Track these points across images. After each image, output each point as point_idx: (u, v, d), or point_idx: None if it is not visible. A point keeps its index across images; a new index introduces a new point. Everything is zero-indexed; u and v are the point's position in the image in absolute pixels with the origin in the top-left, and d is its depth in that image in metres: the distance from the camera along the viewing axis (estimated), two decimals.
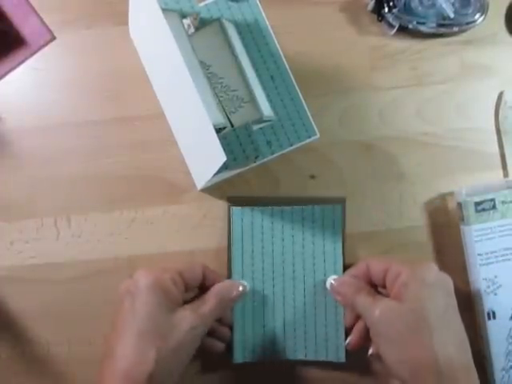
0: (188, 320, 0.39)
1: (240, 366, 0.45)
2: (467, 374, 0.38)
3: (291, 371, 0.46)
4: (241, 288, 0.44)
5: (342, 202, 0.47)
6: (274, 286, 0.46)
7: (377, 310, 0.39)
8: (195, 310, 0.40)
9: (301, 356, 0.45)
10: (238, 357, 0.45)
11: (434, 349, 0.37)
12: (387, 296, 0.41)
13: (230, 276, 0.46)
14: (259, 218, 0.46)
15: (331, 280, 0.44)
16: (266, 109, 0.46)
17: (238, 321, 0.45)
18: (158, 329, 0.38)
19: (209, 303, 0.41)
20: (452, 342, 0.38)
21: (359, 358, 0.44)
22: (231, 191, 0.47)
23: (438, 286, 0.40)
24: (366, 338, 0.42)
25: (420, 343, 0.37)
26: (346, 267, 0.46)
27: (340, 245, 0.46)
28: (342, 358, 0.45)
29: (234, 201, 0.47)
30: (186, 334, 0.38)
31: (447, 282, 0.40)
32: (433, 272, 0.40)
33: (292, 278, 0.46)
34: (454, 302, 0.40)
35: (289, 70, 0.48)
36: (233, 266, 0.46)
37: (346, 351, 0.45)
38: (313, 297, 0.46)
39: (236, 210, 0.46)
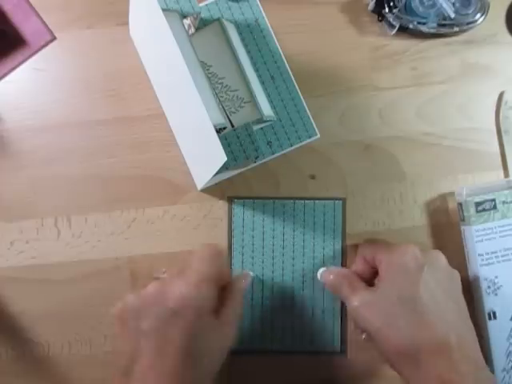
0: (230, 337, 0.39)
1: (237, 355, 0.45)
2: (448, 353, 0.37)
3: (288, 361, 0.46)
4: (250, 277, 0.45)
5: (342, 200, 0.47)
6: (273, 279, 0.46)
7: (353, 304, 0.40)
8: (231, 324, 0.39)
9: (297, 346, 0.46)
10: (236, 345, 0.45)
11: (408, 334, 0.37)
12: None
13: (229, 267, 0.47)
14: (260, 211, 0.47)
15: (321, 270, 0.45)
16: (267, 109, 0.46)
17: None
18: (204, 348, 0.37)
19: (238, 310, 0.41)
20: (430, 324, 0.38)
21: (354, 349, 0.45)
22: (231, 191, 0.47)
23: (414, 269, 0.39)
24: None
25: (395, 330, 0.38)
26: (345, 262, 0.46)
27: (339, 240, 0.47)
28: (337, 348, 0.46)
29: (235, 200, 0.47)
30: (227, 348, 0.39)
31: (431, 262, 0.40)
32: (409, 255, 0.40)
33: (291, 271, 0.46)
34: (434, 283, 0.39)
35: (289, 70, 0.48)
36: (233, 258, 0.46)
37: (342, 342, 0.46)
38: (311, 290, 0.46)
39: (238, 202, 0.47)
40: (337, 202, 0.47)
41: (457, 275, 0.42)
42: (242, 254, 0.46)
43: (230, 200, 0.47)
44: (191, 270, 0.39)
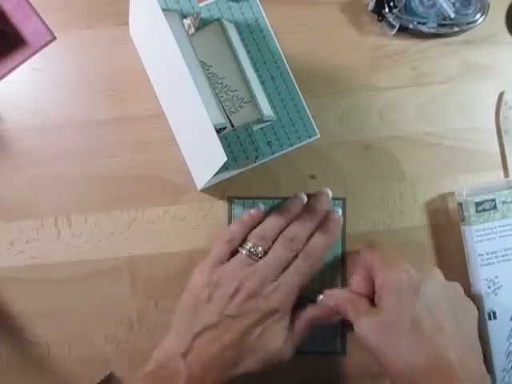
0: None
1: None
2: (448, 373, 0.37)
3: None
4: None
5: (342, 200, 0.47)
6: None
7: (358, 330, 0.39)
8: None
9: (298, 346, 0.45)
10: None
11: (408, 356, 0.37)
12: None
13: None
14: None
15: (321, 297, 0.44)
16: (267, 109, 0.46)
17: None
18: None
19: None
20: (431, 344, 0.37)
21: (354, 349, 0.45)
22: (231, 191, 0.47)
23: (412, 289, 0.39)
24: None
25: (395, 353, 0.38)
26: (345, 262, 0.47)
27: (340, 240, 0.47)
28: (338, 348, 0.46)
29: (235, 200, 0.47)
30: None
31: (426, 280, 0.40)
32: (404, 275, 0.40)
33: None
34: (430, 303, 0.39)
35: (289, 70, 0.48)
36: None
37: (342, 342, 0.46)
38: (311, 289, 0.46)
39: (238, 202, 0.47)
40: (337, 202, 0.47)
41: (458, 288, 0.41)
42: None
43: (230, 200, 0.47)
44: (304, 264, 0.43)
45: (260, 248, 0.43)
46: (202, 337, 0.40)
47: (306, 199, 0.46)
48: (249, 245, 0.43)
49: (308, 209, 0.45)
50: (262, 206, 0.45)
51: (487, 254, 0.45)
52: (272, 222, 0.44)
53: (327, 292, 0.44)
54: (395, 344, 0.38)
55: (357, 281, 0.43)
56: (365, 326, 0.39)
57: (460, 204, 0.47)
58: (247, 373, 0.40)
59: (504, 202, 0.45)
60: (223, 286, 0.41)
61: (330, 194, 0.46)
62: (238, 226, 0.44)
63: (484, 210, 0.45)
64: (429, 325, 0.38)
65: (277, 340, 0.41)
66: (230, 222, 0.47)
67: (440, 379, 0.36)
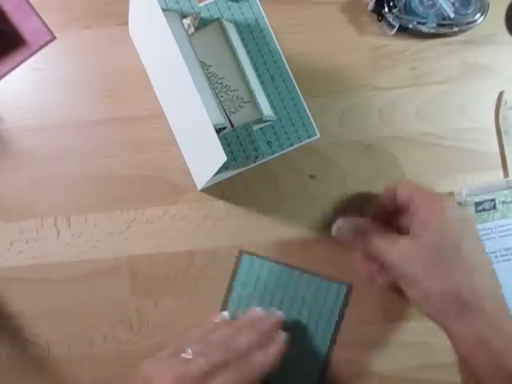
0: None
1: None
2: (494, 301, 0.38)
3: None
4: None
5: (348, 283, 0.46)
6: None
7: (394, 253, 0.39)
8: None
9: None
10: None
11: (454, 280, 0.38)
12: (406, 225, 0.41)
13: None
14: (266, 271, 0.46)
15: (338, 223, 0.44)
16: (266, 109, 0.46)
17: None
18: None
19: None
20: (475, 272, 0.38)
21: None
22: (231, 191, 0.47)
23: (457, 220, 0.39)
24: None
25: (441, 277, 0.38)
26: (336, 339, 0.46)
27: (334, 321, 0.46)
28: None
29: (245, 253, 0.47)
30: None
31: (467, 216, 0.41)
32: (452, 207, 0.40)
33: None
34: (474, 235, 0.40)
35: (289, 70, 0.48)
36: (229, 307, 0.46)
37: None
38: (298, 354, 0.45)
39: (245, 257, 0.46)
40: (342, 286, 0.46)
41: None
42: (240, 299, 0.46)
43: (240, 252, 0.46)
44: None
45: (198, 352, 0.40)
46: None
47: (259, 313, 0.44)
48: (190, 349, 0.40)
49: (254, 325, 0.43)
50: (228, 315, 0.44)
51: (487, 254, 0.45)
52: (222, 333, 0.42)
53: (344, 223, 0.43)
54: (440, 268, 0.38)
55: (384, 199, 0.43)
56: (404, 249, 0.39)
57: (460, 204, 0.47)
58: None
59: (503, 202, 0.46)
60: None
61: (282, 318, 0.45)
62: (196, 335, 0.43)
63: (483, 209, 0.46)
64: (473, 257, 0.39)
65: None
66: (234, 272, 0.46)
67: (473, 312, 0.37)
